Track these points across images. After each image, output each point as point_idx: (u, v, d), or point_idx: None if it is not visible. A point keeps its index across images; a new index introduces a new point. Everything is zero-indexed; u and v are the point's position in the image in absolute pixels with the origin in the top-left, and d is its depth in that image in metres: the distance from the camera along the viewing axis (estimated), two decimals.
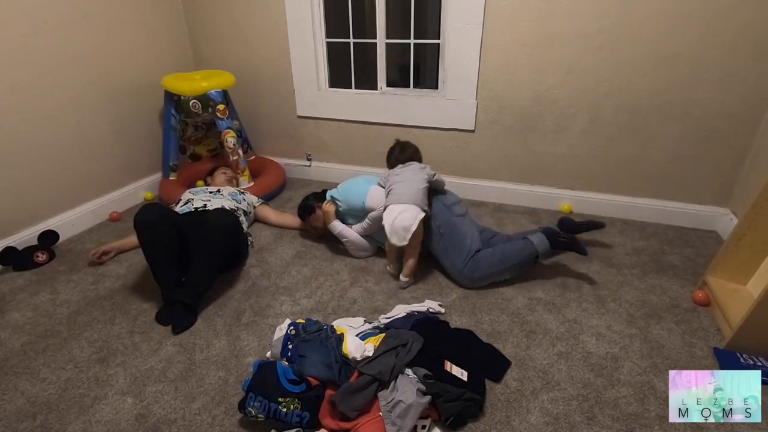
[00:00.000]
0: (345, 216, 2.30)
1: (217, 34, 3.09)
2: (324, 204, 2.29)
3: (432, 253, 2.11)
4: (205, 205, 2.29)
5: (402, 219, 1.91)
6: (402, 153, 2.24)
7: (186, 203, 2.35)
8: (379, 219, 2.07)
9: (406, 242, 1.92)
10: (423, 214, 1.95)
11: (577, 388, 1.52)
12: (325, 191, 2.34)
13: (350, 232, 2.23)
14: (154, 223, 1.88)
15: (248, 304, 1.96)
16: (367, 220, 2.18)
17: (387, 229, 1.94)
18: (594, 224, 2.25)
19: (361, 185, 2.23)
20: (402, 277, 2.04)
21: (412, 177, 2.04)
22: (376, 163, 3.04)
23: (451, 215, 2.07)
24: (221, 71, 2.92)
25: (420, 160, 2.24)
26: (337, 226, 2.24)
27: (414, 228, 1.90)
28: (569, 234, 2.09)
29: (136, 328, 1.84)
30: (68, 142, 2.50)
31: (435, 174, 2.10)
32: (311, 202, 2.35)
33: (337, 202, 2.26)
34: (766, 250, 1.81)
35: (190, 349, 1.72)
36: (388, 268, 2.15)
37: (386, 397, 1.33)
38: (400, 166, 2.15)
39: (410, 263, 2.02)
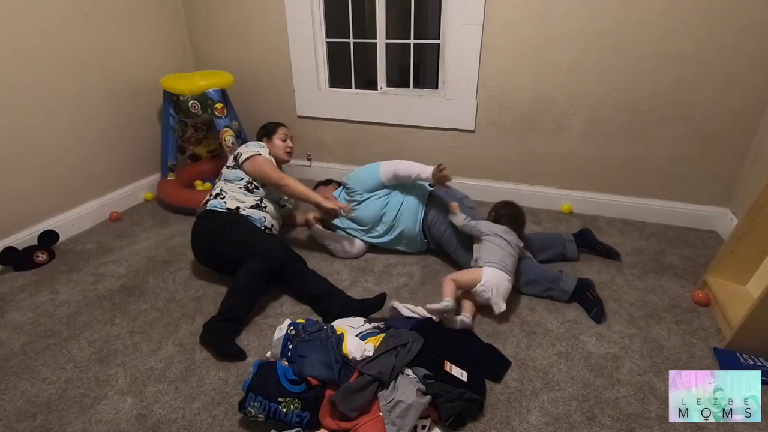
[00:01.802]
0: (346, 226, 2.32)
1: (217, 35, 3.09)
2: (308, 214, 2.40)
3: (444, 248, 2.18)
4: (273, 226, 2.18)
5: (504, 289, 1.81)
6: (511, 217, 2.03)
7: (256, 206, 2.11)
8: (405, 166, 2.14)
9: (500, 310, 1.78)
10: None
11: (577, 388, 1.52)
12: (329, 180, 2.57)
13: (329, 234, 2.32)
14: (277, 268, 1.88)
15: None
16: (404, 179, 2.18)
17: (493, 294, 1.78)
18: (612, 251, 2.22)
19: (365, 169, 2.27)
20: (465, 313, 1.83)
21: (512, 251, 1.90)
22: None
23: (464, 209, 2.12)
24: (220, 71, 2.92)
25: (522, 226, 2.06)
26: (316, 230, 2.35)
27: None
28: (585, 247, 2.23)
29: (136, 328, 1.84)
30: (68, 142, 2.50)
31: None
32: (330, 180, 2.60)
33: (347, 187, 2.29)
34: (766, 250, 1.81)
35: (190, 349, 1.72)
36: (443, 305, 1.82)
37: (386, 397, 1.33)
38: (504, 228, 1.97)
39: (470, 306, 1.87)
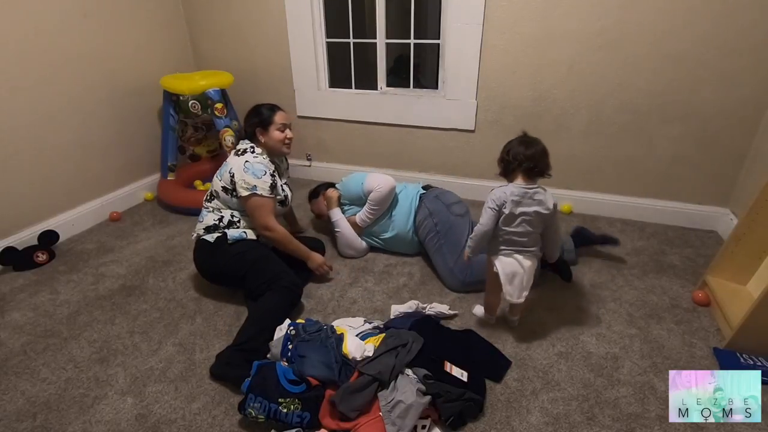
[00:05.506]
0: (346, 209, 2.32)
1: (217, 34, 3.09)
2: (328, 190, 2.34)
3: (426, 250, 2.16)
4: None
5: (521, 276, 1.63)
6: (527, 154, 1.70)
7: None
8: (384, 199, 2.13)
9: (522, 300, 1.65)
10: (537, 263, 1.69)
11: (577, 388, 1.52)
12: (334, 184, 2.44)
13: (344, 224, 2.26)
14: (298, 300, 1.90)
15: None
16: (369, 203, 2.15)
17: (504, 284, 1.64)
18: (608, 239, 2.22)
19: (358, 175, 2.26)
20: (511, 317, 1.81)
21: (538, 220, 1.67)
22: (376, 163, 3.04)
23: (449, 214, 2.08)
24: (220, 71, 2.92)
25: (548, 167, 1.76)
26: (336, 213, 2.28)
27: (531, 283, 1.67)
28: (584, 245, 2.23)
29: (136, 328, 1.84)
30: (68, 142, 2.49)
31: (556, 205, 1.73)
32: (319, 189, 2.47)
33: (338, 189, 2.33)
34: (766, 250, 1.81)
35: (190, 349, 1.72)
36: (483, 316, 1.86)
37: (386, 397, 1.33)
38: (521, 186, 1.70)
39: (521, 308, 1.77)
